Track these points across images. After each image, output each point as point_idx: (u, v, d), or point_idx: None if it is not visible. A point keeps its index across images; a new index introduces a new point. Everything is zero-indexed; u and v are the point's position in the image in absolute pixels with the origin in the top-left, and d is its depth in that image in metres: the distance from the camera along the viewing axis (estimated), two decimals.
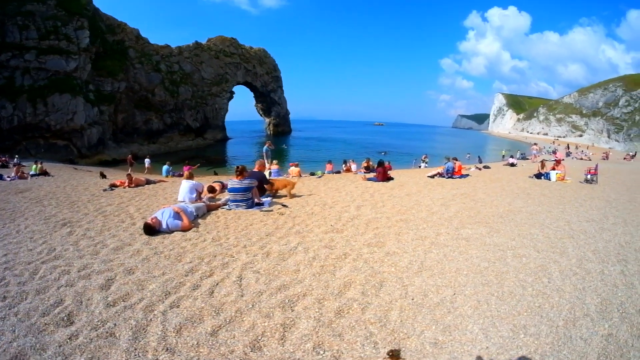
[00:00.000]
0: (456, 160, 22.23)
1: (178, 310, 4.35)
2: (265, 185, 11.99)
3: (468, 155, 52.77)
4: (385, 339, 3.80)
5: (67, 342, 3.71)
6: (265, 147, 24.60)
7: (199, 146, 67.37)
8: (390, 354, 3.52)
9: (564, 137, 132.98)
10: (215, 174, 26.19)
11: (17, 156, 35.06)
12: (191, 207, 9.25)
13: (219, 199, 11.34)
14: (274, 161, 22.87)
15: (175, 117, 67.27)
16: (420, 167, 37.93)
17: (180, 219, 8.29)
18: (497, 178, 20.00)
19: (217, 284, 5.09)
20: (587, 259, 6.40)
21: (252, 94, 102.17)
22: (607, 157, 53.53)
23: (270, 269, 5.61)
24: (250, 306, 4.42)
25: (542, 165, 21.64)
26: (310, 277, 5.38)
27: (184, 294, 4.79)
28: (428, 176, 20.31)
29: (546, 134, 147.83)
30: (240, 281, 5.16)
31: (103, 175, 23.95)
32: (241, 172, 10.50)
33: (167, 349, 3.56)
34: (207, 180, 17.16)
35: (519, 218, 9.47)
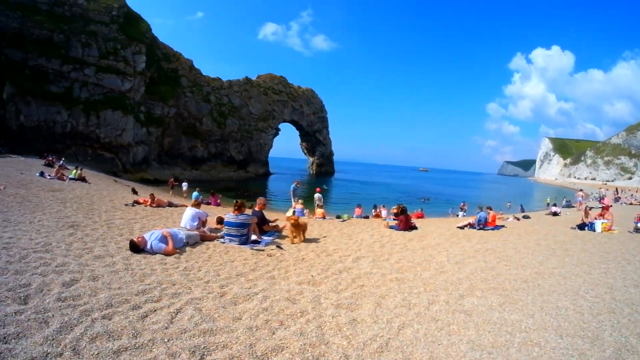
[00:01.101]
0: (490, 209, 20.54)
1: (107, 322, 4.54)
2: (263, 226, 11.76)
3: (509, 203, 48.58)
4: None
5: (12, 314, 4.40)
6: (293, 185, 24.65)
7: (240, 178, 67.83)
8: None
9: (612, 181, 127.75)
10: (252, 207, 26.03)
11: (63, 159, 36.91)
12: (182, 234, 9.32)
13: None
14: (300, 200, 22.35)
15: (220, 147, 68.68)
16: (457, 215, 34.00)
17: (165, 242, 8.38)
18: (535, 230, 17.79)
19: (154, 310, 5.06)
20: (629, 349, 4.77)
21: (297, 132, 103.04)
22: None
23: (212, 310, 5.30)
24: (165, 340, 4.27)
25: (586, 214, 20.20)
26: (244, 329, 4.74)
27: (121, 310, 4.95)
28: (458, 227, 18.29)
29: (594, 179, 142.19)
30: (176, 314, 5.03)
31: (134, 191, 24.44)
32: (239, 207, 10.37)
33: (74, 350, 3.81)
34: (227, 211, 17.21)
35: (548, 283, 7.71)
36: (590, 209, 21.55)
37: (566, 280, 7.97)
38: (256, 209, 12.32)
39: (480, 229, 17.83)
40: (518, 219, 24.45)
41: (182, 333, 4.49)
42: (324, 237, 12.92)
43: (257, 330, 4.76)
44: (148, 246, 8.17)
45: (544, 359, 4.48)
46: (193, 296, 5.78)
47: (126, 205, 16.32)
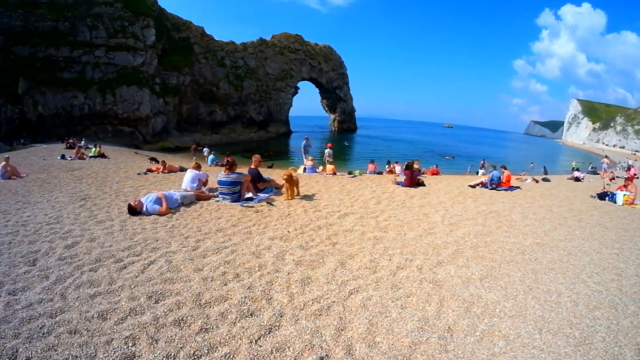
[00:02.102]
0: (505, 168, 19.46)
1: (92, 273, 5.39)
2: (258, 184, 11.91)
3: (532, 164, 47.60)
4: None
5: (22, 274, 5.35)
6: (303, 142, 24.74)
7: (260, 138, 68.15)
8: None
9: None
10: (271, 167, 26.10)
11: (83, 139, 37.93)
12: (177, 195, 9.85)
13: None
14: (310, 157, 22.72)
15: (239, 109, 68.89)
16: (477, 173, 32.60)
17: (160, 204, 9.04)
18: (551, 194, 16.60)
19: (133, 263, 5.77)
20: None
21: (317, 90, 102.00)
22: None
23: (180, 262, 5.81)
24: (132, 287, 4.96)
25: (610, 179, 18.72)
26: (200, 279, 5.21)
27: (106, 264, 5.75)
28: (469, 185, 17.59)
29: (623, 147, 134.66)
30: (149, 265, 5.67)
31: (154, 160, 24.94)
32: (230, 166, 10.68)
33: (62, 296, 4.70)
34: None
35: (547, 259, 6.81)
36: (613, 178, 20.42)
37: (570, 258, 6.97)
38: (252, 166, 12.57)
39: (492, 188, 17.09)
40: (537, 181, 23.54)
41: (147, 281, 5.14)
42: (322, 192, 13.01)
43: (211, 280, 5.20)
44: (144, 208, 8.92)
45: (504, 359, 3.71)
46: (169, 250, 6.38)
47: (139, 174, 17.07)
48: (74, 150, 27.58)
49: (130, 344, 3.68)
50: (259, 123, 72.88)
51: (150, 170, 17.99)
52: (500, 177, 17.85)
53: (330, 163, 22.36)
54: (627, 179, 17.09)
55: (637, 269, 6.59)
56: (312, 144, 24.51)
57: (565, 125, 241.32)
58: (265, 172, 15.67)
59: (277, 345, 3.69)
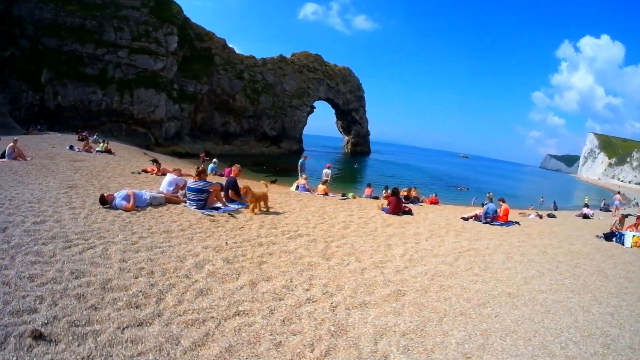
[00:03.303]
0: (503, 201, 18.19)
1: (42, 247, 6.21)
2: (229, 193, 12.15)
3: (542, 199, 46.23)
4: None
5: None
6: (301, 160, 25.00)
7: (272, 153, 68.19)
8: None
9: None
10: (274, 182, 26.00)
11: (96, 134, 38.70)
12: (147, 195, 10.29)
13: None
14: (304, 176, 22.71)
15: (253, 123, 69.50)
16: (483, 205, 31.58)
17: (127, 200, 9.58)
18: (552, 232, 15.43)
19: (77, 245, 6.51)
20: None
21: (333, 111, 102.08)
22: None
23: (113, 252, 6.36)
24: (64, 262, 5.74)
25: (621, 221, 16.92)
26: (117, 269, 5.66)
27: (57, 241, 6.54)
28: (462, 218, 16.47)
29: (639, 184, 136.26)
30: (87, 250, 6.41)
31: (154, 161, 25.34)
32: (199, 174, 11.02)
33: (12, 258, 5.63)
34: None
35: (514, 315, 5.66)
36: (625, 217, 18.40)
37: (546, 316, 5.77)
38: (231, 175, 12.99)
39: (486, 222, 15.89)
40: (541, 217, 22.62)
41: (79, 261, 5.84)
42: (296, 211, 12.89)
43: (126, 272, 5.64)
44: (114, 202, 9.50)
45: None
46: (112, 240, 6.95)
47: (133, 173, 17.71)
48: (83, 143, 28.17)
49: (37, 302, 4.40)
50: (271, 138, 73.28)
51: (145, 171, 18.62)
52: (495, 211, 16.71)
53: (324, 183, 22.08)
54: (638, 218, 15.75)
55: (633, 338, 5.29)
56: (307, 163, 24.79)
57: (581, 159, 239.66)
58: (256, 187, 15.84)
59: (134, 337, 3.89)
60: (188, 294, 5.11)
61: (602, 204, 43.86)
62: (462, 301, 6.03)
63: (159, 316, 4.40)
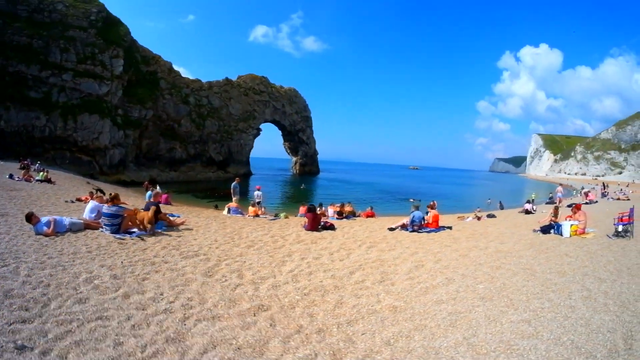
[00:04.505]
0: (432, 208, 17.71)
1: None
2: (160, 215, 13.11)
3: (489, 200, 47.66)
4: None
5: None
6: (234, 183, 25.90)
7: (219, 179, 68.20)
8: None
9: (602, 175, 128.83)
10: (216, 207, 26.61)
11: (39, 162, 38.33)
12: (67, 221, 11.28)
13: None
14: (235, 198, 23.54)
15: (199, 148, 69.77)
16: (427, 214, 30.36)
17: (48, 226, 10.63)
18: (486, 233, 15.38)
19: None
20: None
21: (280, 133, 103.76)
22: None
23: (20, 270, 7.40)
24: None
25: (555, 213, 16.88)
26: (22, 277, 6.94)
27: None
28: (389, 228, 16.27)
29: (584, 174, 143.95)
30: None
31: (100, 191, 25.74)
32: (112, 199, 12.04)
33: None
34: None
35: (386, 334, 5.45)
36: (558, 208, 18.20)
37: (432, 332, 5.43)
38: (152, 200, 14.17)
39: (413, 231, 15.69)
40: (479, 218, 22.58)
41: None
42: (211, 232, 13.51)
43: (27, 284, 6.68)
44: (36, 227, 10.58)
45: None
46: (24, 260, 8.06)
47: (66, 201, 18.42)
48: (23, 172, 28.26)
49: None
50: (218, 163, 73.59)
51: (79, 200, 19.28)
52: (422, 218, 16.41)
53: (253, 205, 22.20)
54: (574, 207, 15.57)
55: (550, 350, 4.72)
56: (239, 186, 25.79)
57: (528, 159, 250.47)
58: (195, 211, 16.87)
59: (16, 330, 4.94)
60: (69, 301, 6.04)
61: (549, 197, 44.84)
62: (329, 317, 6.01)
63: (39, 316, 5.40)
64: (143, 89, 59.95)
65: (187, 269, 8.43)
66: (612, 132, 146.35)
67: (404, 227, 16.19)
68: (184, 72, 70.23)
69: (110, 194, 12.96)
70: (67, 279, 7.06)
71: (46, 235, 10.34)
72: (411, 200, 36.84)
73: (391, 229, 16.10)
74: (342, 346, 5.01)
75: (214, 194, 45.99)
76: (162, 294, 6.68)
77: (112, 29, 55.46)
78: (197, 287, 7.21)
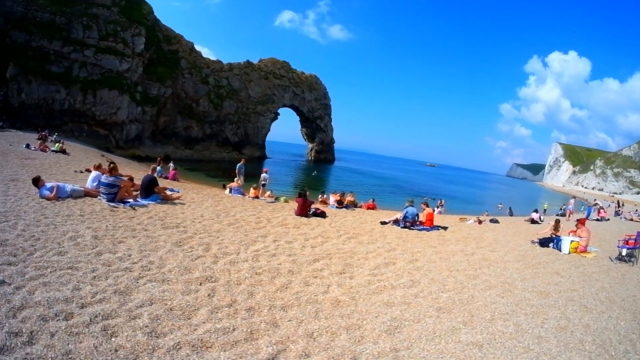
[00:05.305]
0: (426, 205, 17.72)
1: None
2: (155, 188, 14.16)
3: (500, 205, 46.42)
4: None
5: None
6: (239, 164, 26.73)
7: (233, 159, 66.55)
8: None
9: (619, 193, 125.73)
10: (224, 187, 27.10)
11: (56, 134, 39.87)
12: (69, 188, 12.30)
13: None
14: (238, 179, 24.29)
15: (215, 128, 70.88)
16: (433, 212, 28.39)
17: (51, 191, 11.61)
18: (479, 238, 14.90)
19: None
20: None
21: (298, 118, 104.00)
22: None
23: (21, 226, 8.34)
24: None
25: (556, 226, 15.90)
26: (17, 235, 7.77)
27: None
28: (381, 222, 16.33)
29: (601, 190, 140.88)
30: None
31: (111, 163, 26.73)
32: (110, 170, 13.01)
33: None
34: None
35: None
36: (560, 221, 17.37)
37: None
38: (149, 173, 15.12)
39: (404, 227, 15.62)
40: (480, 222, 22.00)
41: None
42: (199, 209, 14.08)
43: (20, 237, 7.62)
44: (40, 191, 11.60)
45: None
46: (24, 218, 9.03)
47: (76, 171, 19.49)
48: (39, 142, 29.45)
49: None
50: (234, 144, 74.47)
51: (88, 170, 20.42)
52: (415, 215, 16.28)
53: (255, 188, 22.84)
54: (578, 222, 14.61)
55: None
56: (244, 167, 26.49)
57: (547, 168, 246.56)
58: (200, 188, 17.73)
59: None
60: (50, 253, 6.92)
61: (561, 208, 43.88)
62: (266, 298, 6.21)
63: (23, 262, 6.31)
64: (163, 67, 61.10)
65: (162, 237, 9.07)
66: (634, 150, 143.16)
67: (396, 222, 16.24)
68: (207, 54, 71.12)
69: (109, 165, 13.97)
70: (55, 236, 7.96)
71: (48, 199, 11.31)
72: (408, 200, 36.45)
73: (383, 223, 16.20)
74: (262, 327, 5.13)
75: (226, 173, 46.98)
76: (130, 256, 7.40)
77: (135, 8, 56.58)
78: (162, 254, 7.80)
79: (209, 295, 6.01)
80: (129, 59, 53.05)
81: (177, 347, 4.30)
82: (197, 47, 70.65)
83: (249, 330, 5.00)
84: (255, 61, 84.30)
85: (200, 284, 6.43)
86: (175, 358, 4.08)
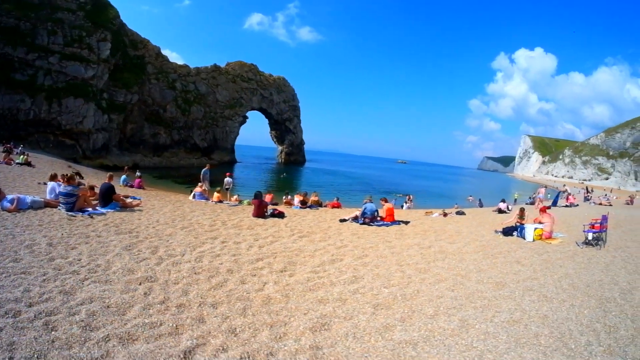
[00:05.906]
0: (385, 201, 17.94)
1: None
2: (113, 196, 14.60)
3: (470, 197, 47.49)
4: None
5: None
6: (204, 169, 27.38)
7: (202, 165, 63.53)
8: None
9: (589, 180, 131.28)
10: (192, 192, 27.35)
11: (22, 145, 39.18)
12: (29, 199, 12.74)
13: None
14: (200, 184, 24.45)
15: (183, 134, 70.81)
16: (402, 207, 31.16)
17: (11, 203, 12.00)
18: (440, 230, 14.89)
19: None
20: None
21: (267, 121, 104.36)
22: (631, 202, 45.48)
23: None
24: None
25: (521, 215, 16.26)
26: None
27: None
28: (340, 220, 16.45)
29: (571, 177, 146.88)
30: None
31: (77, 174, 26.61)
32: (68, 180, 13.50)
33: None
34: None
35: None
36: (524, 210, 17.33)
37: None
38: (106, 181, 15.53)
39: (363, 223, 15.76)
40: (445, 215, 21.99)
41: None
42: (156, 215, 14.41)
43: None
44: (2, 202, 11.95)
45: None
46: None
47: (39, 183, 19.65)
48: (2, 156, 29.35)
49: None
50: (202, 149, 74.53)
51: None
52: (374, 211, 16.45)
53: (218, 192, 23.09)
54: (541, 209, 14.66)
55: None
56: (209, 172, 27.01)
57: (517, 159, 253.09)
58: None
59: None
60: (6, 260, 7.42)
61: (531, 197, 44.50)
62: (198, 296, 6.48)
63: None
64: (129, 73, 60.80)
65: (113, 242, 9.51)
66: (601, 139, 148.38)
67: (355, 219, 16.28)
68: (177, 58, 71.48)
69: (66, 175, 14.47)
70: (12, 245, 8.46)
71: (9, 211, 11.68)
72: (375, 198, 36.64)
73: (342, 220, 16.26)
74: (188, 322, 5.38)
75: (194, 180, 47.00)
76: (79, 260, 7.87)
77: (101, 12, 56.10)
78: (110, 257, 8.22)
79: (145, 293, 6.43)
80: (95, 66, 52.70)
81: (107, 339, 4.89)
82: (166, 52, 70.84)
83: (174, 325, 5.31)
84: (223, 65, 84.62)
85: (140, 284, 6.85)
86: (103, 348, 4.71)
